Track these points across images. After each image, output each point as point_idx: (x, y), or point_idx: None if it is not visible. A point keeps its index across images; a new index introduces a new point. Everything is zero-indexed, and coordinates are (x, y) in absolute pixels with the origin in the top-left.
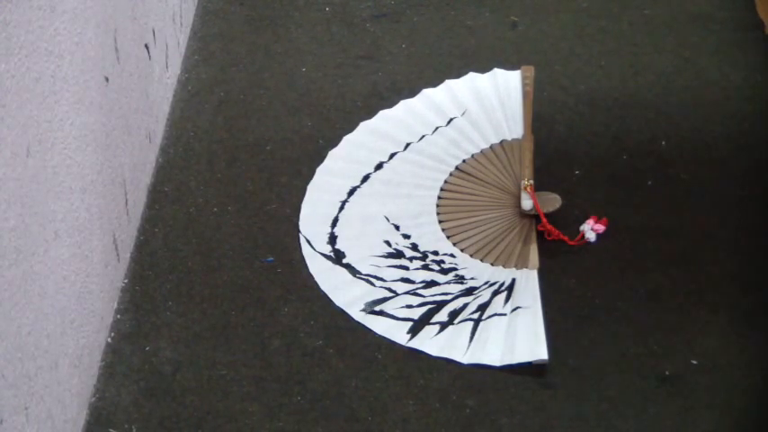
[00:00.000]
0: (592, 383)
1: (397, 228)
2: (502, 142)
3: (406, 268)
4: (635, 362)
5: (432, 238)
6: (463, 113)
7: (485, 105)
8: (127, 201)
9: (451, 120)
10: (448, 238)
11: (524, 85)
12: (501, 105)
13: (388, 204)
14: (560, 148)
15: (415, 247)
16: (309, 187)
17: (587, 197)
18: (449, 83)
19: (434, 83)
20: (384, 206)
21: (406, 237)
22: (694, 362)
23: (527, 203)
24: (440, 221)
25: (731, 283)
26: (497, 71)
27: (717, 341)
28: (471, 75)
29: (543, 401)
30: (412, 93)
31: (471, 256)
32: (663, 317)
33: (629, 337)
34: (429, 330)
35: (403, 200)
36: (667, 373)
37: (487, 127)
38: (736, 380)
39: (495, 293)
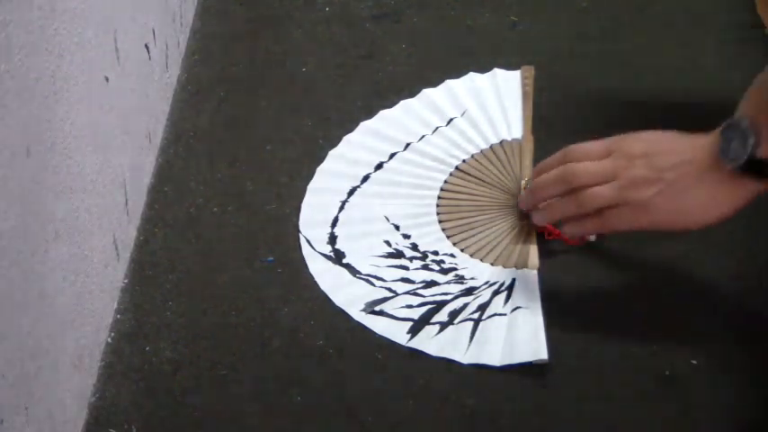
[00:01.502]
0: (592, 383)
1: (397, 228)
2: (502, 142)
3: (406, 268)
4: (635, 362)
5: (432, 238)
6: (463, 114)
7: (485, 105)
8: (127, 201)
9: (451, 120)
10: (448, 237)
11: (524, 85)
12: (501, 105)
13: (389, 204)
14: (560, 148)
15: (415, 246)
16: (309, 187)
17: None
18: (449, 83)
19: (434, 83)
20: (384, 206)
21: (406, 237)
22: (694, 362)
23: None
24: (440, 221)
25: (731, 283)
26: (497, 71)
27: (717, 341)
28: (471, 75)
29: (543, 401)
30: (412, 93)
31: (471, 255)
32: (663, 317)
33: (629, 337)
34: (429, 330)
35: (403, 200)
36: (667, 373)
37: (487, 127)
38: (736, 380)
39: (495, 293)
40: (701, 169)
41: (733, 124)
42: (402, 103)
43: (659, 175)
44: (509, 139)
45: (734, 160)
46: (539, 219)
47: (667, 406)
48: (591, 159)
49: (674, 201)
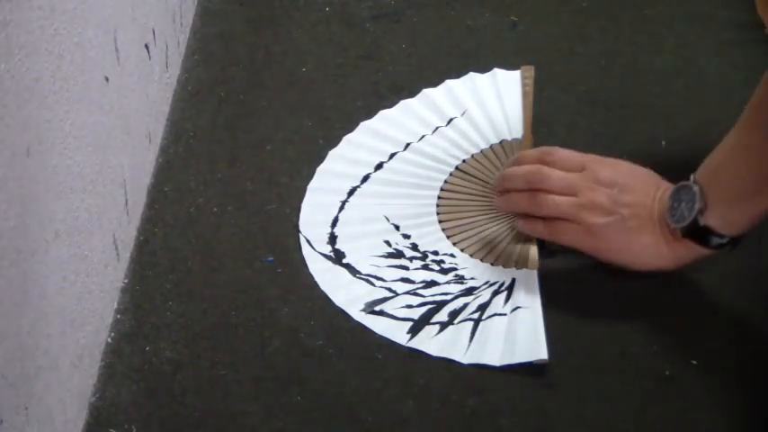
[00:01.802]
0: (592, 383)
1: (397, 228)
2: (502, 142)
3: (406, 268)
4: (635, 362)
5: (432, 238)
6: (463, 113)
7: (485, 105)
8: (127, 201)
9: (451, 120)
10: (448, 238)
11: (524, 85)
12: (501, 105)
13: (388, 204)
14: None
15: (415, 246)
16: (309, 187)
17: None
18: (449, 83)
19: (434, 83)
20: (384, 206)
21: (406, 237)
22: (694, 362)
23: None
24: (440, 221)
25: (731, 283)
26: (497, 71)
27: (717, 341)
28: (471, 75)
29: (543, 401)
30: (412, 93)
31: (471, 256)
32: (663, 317)
33: (629, 337)
34: (429, 330)
35: (403, 200)
36: (667, 373)
37: (487, 127)
38: (736, 380)
39: (496, 293)
40: (654, 218)
41: (685, 186)
42: (402, 102)
43: (616, 208)
44: (509, 138)
45: (678, 222)
46: (498, 203)
47: (667, 406)
48: (564, 168)
49: (621, 237)
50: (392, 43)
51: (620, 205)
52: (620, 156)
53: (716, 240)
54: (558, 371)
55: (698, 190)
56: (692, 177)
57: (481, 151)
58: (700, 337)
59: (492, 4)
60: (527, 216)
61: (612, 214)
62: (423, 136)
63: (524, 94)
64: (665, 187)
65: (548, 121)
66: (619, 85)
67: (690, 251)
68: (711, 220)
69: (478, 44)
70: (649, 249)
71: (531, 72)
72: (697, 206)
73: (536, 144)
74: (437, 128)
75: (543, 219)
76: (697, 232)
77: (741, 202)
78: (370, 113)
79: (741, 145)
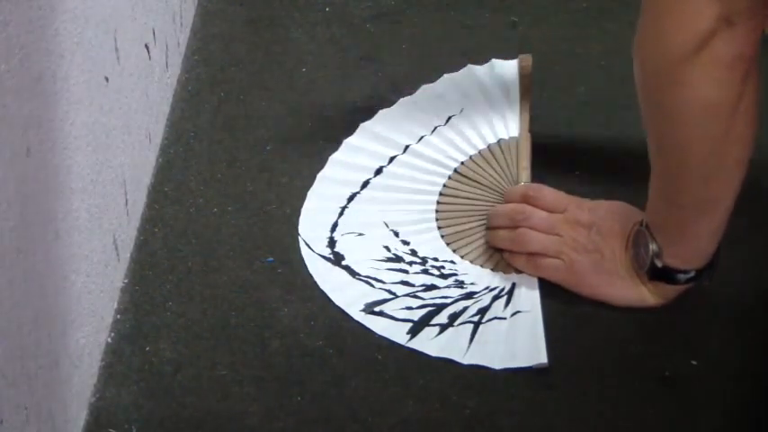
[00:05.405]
0: (592, 383)
1: (396, 234)
2: (499, 141)
3: (406, 272)
4: (635, 362)
5: (431, 244)
6: (461, 111)
7: (483, 101)
8: (127, 201)
9: (450, 118)
10: (448, 245)
11: (522, 76)
12: (499, 99)
13: (388, 210)
14: (560, 148)
15: (414, 252)
16: (309, 194)
17: (587, 198)
18: (447, 77)
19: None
20: (384, 212)
21: (406, 243)
22: (694, 362)
23: None
24: (439, 228)
25: (731, 283)
26: (495, 62)
27: (717, 341)
28: (469, 67)
29: (543, 401)
30: (412, 93)
31: (471, 262)
32: (663, 317)
33: (629, 337)
34: (429, 332)
35: (402, 205)
36: (667, 373)
37: (485, 126)
38: (736, 380)
39: (496, 298)
40: (627, 262)
41: (640, 231)
42: (401, 101)
43: (597, 247)
44: (506, 137)
45: (642, 267)
46: (488, 239)
47: (667, 406)
48: (546, 208)
49: (602, 276)
50: (392, 43)
51: (600, 246)
52: (619, 156)
53: (682, 276)
54: (558, 371)
55: (648, 234)
56: (643, 220)
57: (479, 152)
58: (700, 337)
59: (492, 4)
60: (511, 252)
61: (594, 253)
62: (422, 137)
63: (522, 85)
64: (637, 229)
65: (548, 121)
66: (619, 85)
67: (667, 289)
68: (669, 259)
69: (478, 44)
70: (629, 290)
71: (528, 62)
72: (651, 250)
73: (535, 145)
74: (436, 127)
75: (527, 255)
76: (660, 274)
77: (686, 234)
78: (370, 113)
79: (656, 175)
